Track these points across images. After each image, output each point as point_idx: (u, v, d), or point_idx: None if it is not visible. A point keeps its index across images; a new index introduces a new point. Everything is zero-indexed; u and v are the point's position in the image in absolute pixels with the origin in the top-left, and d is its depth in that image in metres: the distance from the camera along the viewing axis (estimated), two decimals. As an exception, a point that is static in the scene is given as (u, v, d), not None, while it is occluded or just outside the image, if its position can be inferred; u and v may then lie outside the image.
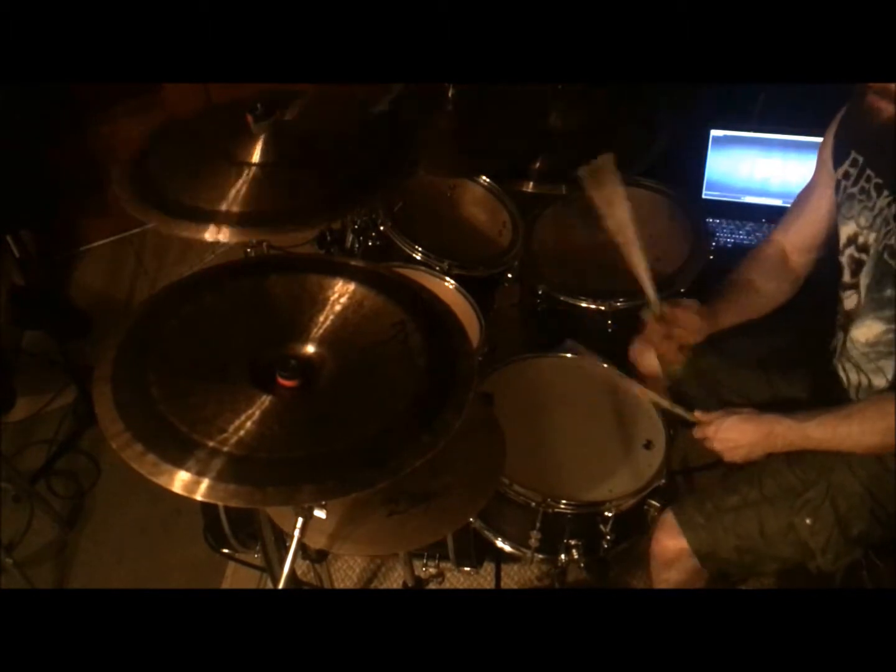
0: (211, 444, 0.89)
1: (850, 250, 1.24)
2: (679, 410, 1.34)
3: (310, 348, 1.04)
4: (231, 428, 0.91)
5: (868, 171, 1.19)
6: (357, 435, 0.92)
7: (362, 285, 1.10)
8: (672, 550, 1.30)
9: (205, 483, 0.85)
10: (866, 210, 1.19)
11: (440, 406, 0.95)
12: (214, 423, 0.91)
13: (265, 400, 0.95)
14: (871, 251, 1.19)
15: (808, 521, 1.25)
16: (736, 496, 1.30)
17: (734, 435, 1.25)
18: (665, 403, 1.37)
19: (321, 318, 1.06)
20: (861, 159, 1.21)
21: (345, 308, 1.08)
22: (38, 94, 2.24)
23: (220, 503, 1.03)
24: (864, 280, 1.21)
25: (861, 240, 1.21)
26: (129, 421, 0.91)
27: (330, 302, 1.08)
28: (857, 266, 1.23)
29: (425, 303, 1.10)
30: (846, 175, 1.25)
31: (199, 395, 0.95)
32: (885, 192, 1.15)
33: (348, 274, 1.11)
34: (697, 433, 1.29)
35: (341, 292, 1.09)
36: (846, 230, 1.25)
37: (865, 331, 1.22)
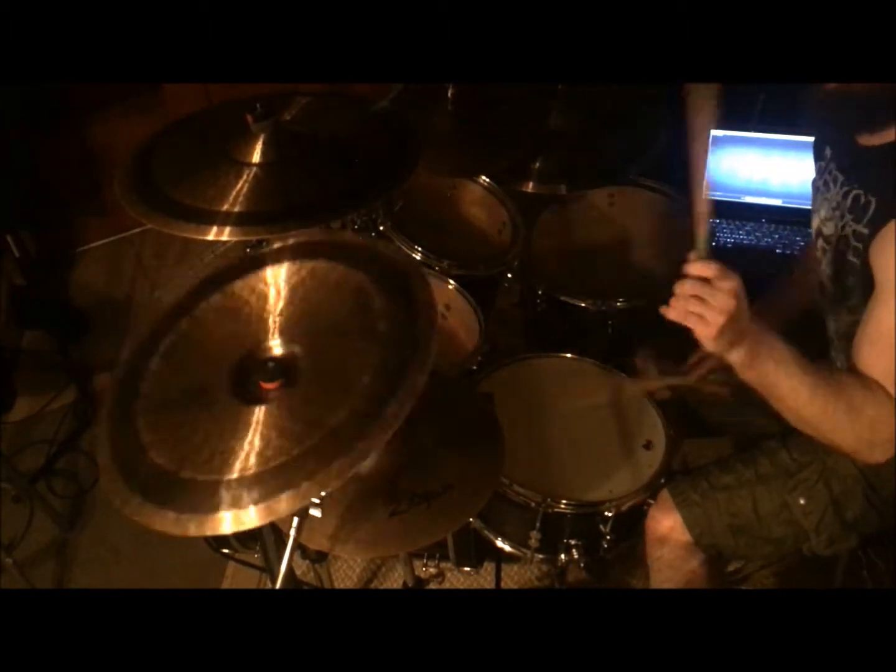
0: (233, 476, 0.87)
1: (820, 242, 1.26)
2: (675, 380, 1.24)
3: (282, 344, 1.02)
4: (240, 452, 0.89)
5: (831, 165, 1.23)
6: (335, 419, 0.89)
7: (313, 260, 1.06)
8: (666, 527, 1.32)
9: (249, 510, 0.84)
10: (826, 202, 1.23)
11: (402, 370, 0.90)
12: (220, 454, 0.90)
13: (258, 411, 0.93)
14: (830, 242, 1.21)
15: (801, 501, 1.26)
16: (731, 475, 1.31)
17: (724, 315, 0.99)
18: (661, 383, 1.29)
19: (284, 309, 1.04)
20: (830, 154, 1.25)
21: (304, 289, 1.05)
22: (28, 93, 2.25)
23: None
24: (825, 271, 1.24)
25: (825, 231, 1.24)
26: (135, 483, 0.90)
27: (287, 289, 1.06)
28: (825, 256, 1.26)
29: (384, 260, 1.06)
30: (819, 169, 1.28)
31: (194, 430, 0.93)
32: (841, 184, 1.19)
33: (297, 255, 1.08)
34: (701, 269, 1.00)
35: (293, 275, 1.06)
36: (814, 222, 1.29)
37: (840, 321, 1.23)
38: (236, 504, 0.84)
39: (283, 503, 0.84)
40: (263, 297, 1.06)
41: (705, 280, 0.98)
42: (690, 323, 1.00)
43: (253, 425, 0.92)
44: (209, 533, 0.84)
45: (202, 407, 0.96)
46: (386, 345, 0.95)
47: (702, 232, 1.04)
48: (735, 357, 1.03)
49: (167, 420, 0.97)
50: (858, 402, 1.03)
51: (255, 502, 0.84)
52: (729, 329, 0.99)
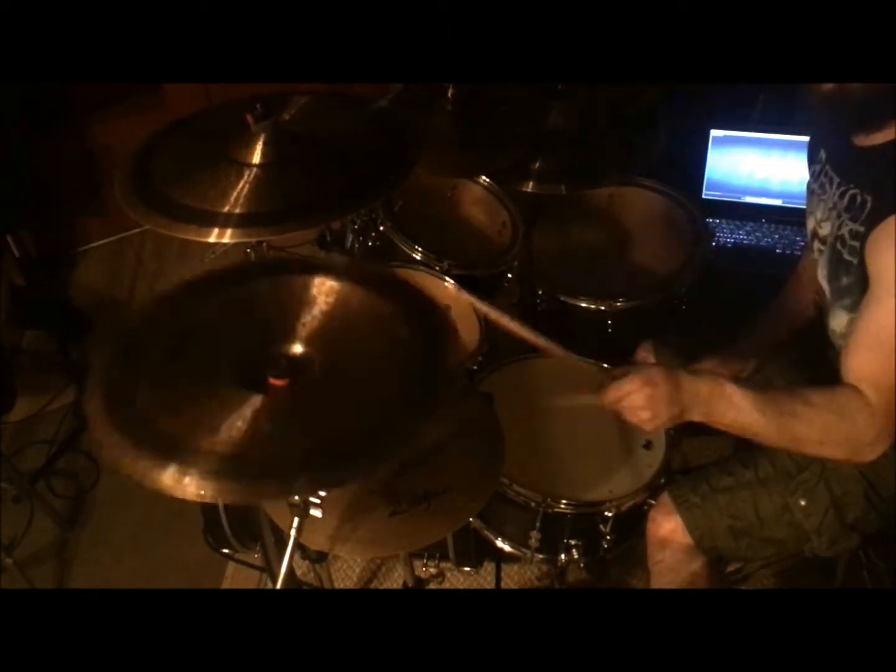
0: (204, 445, 0.87)
1: (816, 244, 1.27)
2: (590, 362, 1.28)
3: (298, 347, 1.03)
4: (223, 429, 0.89)
5: (827, 166, 1.24)
6: (344, 427, 0.91)
7: (347, 282, 1.08)
8: (667, 530, 1.32)
9: (194, 479, 0.83)
10: (822, 203, 1.23)
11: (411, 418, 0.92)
12: (205, 425, 0.90)
13: (256, 400, 0.93)
14: (826, 243, 1.22)
15: (802, 502, 1.26)
16: (731, 477, 1.32)
17: (640, 400, 1.10)
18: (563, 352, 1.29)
19: (308, 318, 1.05)
20: (825, 156, 1.25)
21: (331, 306, 1.06)
22: (28, 93, 2.25)
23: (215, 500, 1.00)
24: (822, 271, 1.24)
25: (821, 232, 1.24)
26: (123, 428, 0.89)
27: (316, 301, 1.07)
28: (822, 257, 1.26)
29: (417, 297, 1.08)
30: (813, 172, 1.29)
31: (191, 404, 0.94)
32: (837, 184, 1.19)
33: (333, 272, 1.10)
34: (609, 394, 1.13)
35: (327, 291, 1.07)
36: (809, 224, 1.29)
37: (838, 321, 1.23)
38: (185, 472, 0.84)
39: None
40: (299, 302, 1.07)
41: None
42: (633, 422, 1.12)
43: (242, 410, 0.92)
44: (153, 483, 0.84)
45: (207, 383, 0.97)
46: (401, 382, 0.95)
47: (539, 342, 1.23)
48: (695, 418, 1.11)
49: (169, 388, 0.96)
50: (831, 421, 1.07)
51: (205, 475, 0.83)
52: (659, 411, 1.09)
